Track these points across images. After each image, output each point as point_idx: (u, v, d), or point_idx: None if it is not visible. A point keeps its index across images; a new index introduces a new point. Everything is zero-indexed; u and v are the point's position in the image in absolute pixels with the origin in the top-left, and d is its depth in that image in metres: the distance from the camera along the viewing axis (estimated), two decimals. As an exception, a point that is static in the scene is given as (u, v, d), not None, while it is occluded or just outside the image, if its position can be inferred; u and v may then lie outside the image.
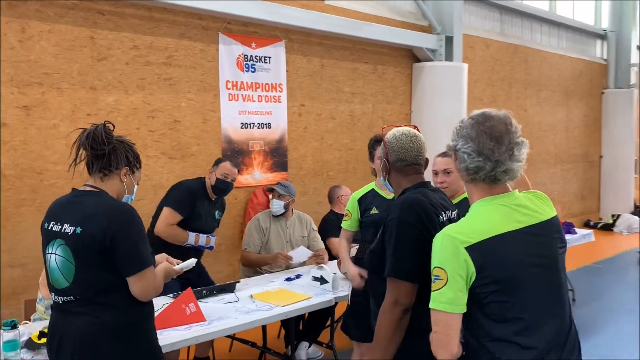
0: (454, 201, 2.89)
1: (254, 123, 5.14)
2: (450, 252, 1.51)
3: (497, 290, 1.51)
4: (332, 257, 4.40)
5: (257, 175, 5.22)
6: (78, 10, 4.05)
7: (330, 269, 3.50)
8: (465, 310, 1.52)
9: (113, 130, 2.05)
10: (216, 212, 4.02)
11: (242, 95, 5.04)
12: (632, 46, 10.35)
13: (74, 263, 1.92)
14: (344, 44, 5.85)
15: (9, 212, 3.83)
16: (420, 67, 6.57)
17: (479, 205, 1.63)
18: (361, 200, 3.09)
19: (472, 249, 1.49)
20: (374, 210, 3.00)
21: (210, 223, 3.94)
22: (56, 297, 1.97)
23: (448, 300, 1.49)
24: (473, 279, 1.50)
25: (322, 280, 3.29)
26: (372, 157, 3.25)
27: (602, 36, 10.42)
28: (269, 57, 5.21)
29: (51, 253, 1.97)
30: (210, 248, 3.86)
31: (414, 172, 2.08)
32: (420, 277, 1.80)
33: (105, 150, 1.99)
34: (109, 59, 4.22)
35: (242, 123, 5.07)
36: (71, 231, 1.92)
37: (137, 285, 1.92)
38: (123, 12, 4.27)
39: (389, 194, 3.02)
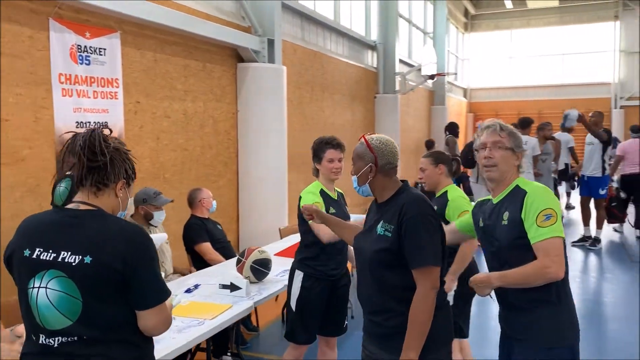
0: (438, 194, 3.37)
1: (90, 122, 4.59)
2: (554, 197, 2.11)
3: None
4: (205, 263, 4.25)
5: (95, 180, 4.68)
6: None
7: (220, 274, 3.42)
8: None
9: (110, 135, 1.75)
10: None
11: (76, 90, 4.46)
12: (396, 57, 12.02)
13: (80, 299, 1.59)
14: (175, 40, 5.60)
15: None
16: (245, 67, 6.66)
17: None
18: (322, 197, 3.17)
19: None
20: (332, 210, 3.09)
21: None
22: (48, 340, 1.60)
23: (561, 230, 2.05)
24: None
25: (232, 287, 3.20)
26: (319, 159, 3.27)
27: (373, 47, 11.87)
28: (104, 49, 4.71)
29: (38, 287, 1.60)
30: None
31: (395, 174, 2.26)
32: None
33: (103, 161, 1.68)
34: None
35: (77, 122, 4.48)
36: (75, 261, 1.59)
37: (153, 319, 1.67)
38: None
39: (333, 194, 3.30)
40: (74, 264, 1.59)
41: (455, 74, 19.31)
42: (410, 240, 2.06)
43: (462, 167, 9.18)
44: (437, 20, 16.68)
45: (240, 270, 3.50)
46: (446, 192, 3.32)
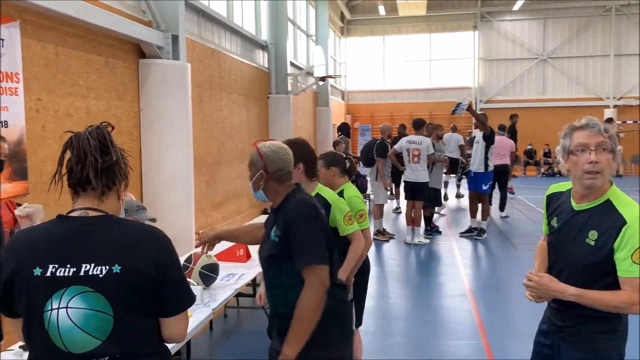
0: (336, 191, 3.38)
1: (-12, 121, 4.08)
2: None
3: None
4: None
5: (-5, 186, 4.16)
6: None
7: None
8: None
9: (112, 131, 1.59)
10: None
11: (-28, 85, 3.94)
12: (287, 58, 12.12)
13: (111, 313, 1.43)
14: (77, 32, 5.14)
15: None
16: (147, 63, 6.30)
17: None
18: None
19: None
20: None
21: None
22: None
23: None
24: None
25: None
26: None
27: (264, 47, 11.85)
28: (2, 40, 4.20)
29: (57, 308, 1.40)
30: None
31: (289, 179, 2.33)
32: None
33: (112, 160, 1.52)
34: None
35: (-26, 121, 3.96)
36: (102, 272, 1.43)
37: (180, 325, 1.57)
38: None
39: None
40: (101, 275, 1.44)
41: (342, 76, 19.98)
42: (295, 242, 2.14)
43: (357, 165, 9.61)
44: (319, 24, 17.09)
45: (188, 277, 3.33)
46: (342, 191, 3.49)
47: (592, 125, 2.00)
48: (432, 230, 8.95)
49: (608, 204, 2.00)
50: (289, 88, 12.16)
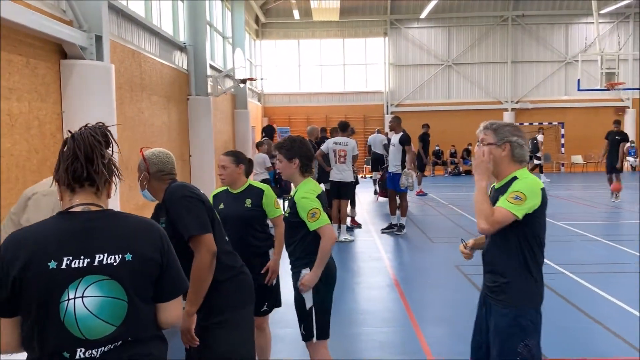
0: (240, 189, 3.66)
1: None
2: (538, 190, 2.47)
3: None
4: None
5: None
6: None
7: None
8: None
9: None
10: None
11: None
12: (207, 60, 12.06)
13: (125, 299, 1.52)
14: (-3, 30, 4.93)
15: None
16: (70, 64, 6.11)
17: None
18: None
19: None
20: (221, 205, 3.25)
21: None
22: (89, 352, 1.49)
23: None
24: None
25: None
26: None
27: (182, 48, 11.72)
28: None
29: (73, 298, 1.47)
30: None
31: (170, 179, 2.67)
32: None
33: (109, 157, 1.62)
34: None
35: None
36: (116, 260, 1.53)
37: (177, 309, 1.71)
38: None
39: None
40: (115, 264, 1.54)
41: (262, 79, 20.03)
42: (175, 220, 2.49)
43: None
44: (236, 25, 17.08)
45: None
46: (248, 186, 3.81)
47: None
48: (354, 227, 9.33)
49: (514, 178, 2.54)
50: (209, 90, 12.10)
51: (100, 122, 1.68)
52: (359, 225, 9.56)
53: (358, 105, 22.84)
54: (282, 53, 23.19)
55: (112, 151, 1.66)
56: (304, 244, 3.10)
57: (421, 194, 14.04)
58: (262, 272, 3.57)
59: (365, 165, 19.41)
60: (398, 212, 9.12)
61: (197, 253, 2.48)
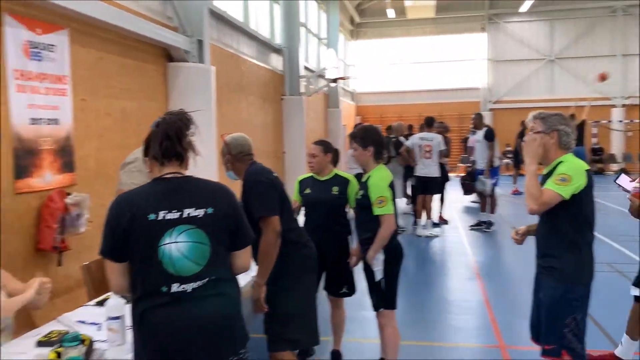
0: (327, 177, 3.88)
1: (42, 118, 4.55)
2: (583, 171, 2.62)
3: None
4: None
5: (48, 177, 4.63)
6: None
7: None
8: None
9: None
10: None
11: (30, 86, 4.41)
12: (300, 61, 12.57)
13: (208, 244, 1.90)
14: (113, 38, 5.62)
15: None
16: (175, 67, 6.77)
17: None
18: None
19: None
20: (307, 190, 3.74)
21: None
22: (182, 287, 1.87)
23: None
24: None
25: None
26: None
27: (278, 50, 12.31)
28: (54, 46, 4.68)
29: (169, 243, 1.85)
30: None
31: (250, 160, 3.02)
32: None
33: (190, 137, 1.99)
34: None
35: (31, 118, 4.43)
36: (200, 214, 1.90)
37: (247, 257, 2.08)
38: None
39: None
40: (199, 216, 1.90)
41: (353, 78, 20.39)
42: (249, 200, 2.80)
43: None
44: (330, 27, 17.53)
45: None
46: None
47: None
48: (441, 223, 9.35)
49: (560, 163, 2.70)
50: (302, 90, 12.60)
51: (181, 109, 2.05)
52: (445, 222, 9.56)
53: (453, 103, 22.45)
54: (376, 52, 23.37)
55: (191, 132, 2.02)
56: (374, 223, 3.32)
57: (516, 193, 13.64)
58: (348, 260, 3.82)
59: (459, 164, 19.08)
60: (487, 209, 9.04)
61: (264, 232, 2.80)
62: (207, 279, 1.93)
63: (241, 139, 3.08)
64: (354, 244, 3.89)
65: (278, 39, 12.42)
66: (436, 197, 9.23)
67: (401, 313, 4.84)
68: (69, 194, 4.71)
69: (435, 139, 8.47)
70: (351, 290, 3.95)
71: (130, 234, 1.89)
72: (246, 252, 2.10)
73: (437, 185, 8.67)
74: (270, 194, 2.85)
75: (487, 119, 21.48)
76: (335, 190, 3.81)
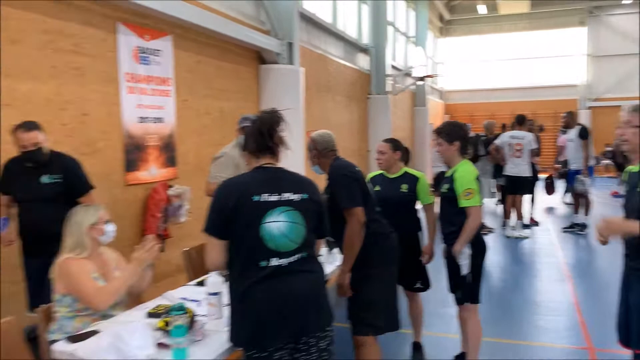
0: (396, 175, 3.96)
1: (149, 117, 5.00)
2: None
3: None
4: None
5: (153, 171, 5.09)
6: (-11, -17, 3.49)
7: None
8: None
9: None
10: (43, 177, 3.49)
11: (139, 88, 4.86)
12: (386, 60, 12.63)
13: (303, 224, 2.12)
14: (211, 42, 6.02)
15: None
16: (267, 68, 7.11)
17: None
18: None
19: None
20: (377, 187, 3.72)
21: (33, 190, 3.49)
22: (280, 261, 2.10)
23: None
24: None
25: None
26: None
27: (365, 50, 12.44)
28: (160, 51, 5.12)
29: (271, 222, 2.09)
30: None
31: (333, 155, 3.17)
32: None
33: (281, 132, 2.19)
34: (22, 42, 3.71)
35: (140, 117, 4.89)
36: (298, 198, 2.14)
37: (318, 247, 2.32)
38: (33, -10, 3.80)
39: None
40: (296, 200, 2.14)
41: (441, 76, 20.12)
42: (334, 192, 2.92)
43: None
44: (419, 25, 17.41)
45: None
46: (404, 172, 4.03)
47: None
48: (531, 225, 9.06)
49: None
50: (388, 89, 12.65)
51: (274, 108, 2.26)
52: (535, 223, 9.24)
53: (548, 101, 21.46)
54: (466, 49, 22.85)
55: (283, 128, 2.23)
56: (460, 217, 3.37)
57: (616, 195, 12.85)
58: (421, 258, 3.90)
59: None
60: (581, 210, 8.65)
61: (349, 222, 2.93)
62: (299, 256, 2.16)
63: (326, 136, 3.23)
64: (424, 241, 3.96)
65: (365, 39, 12.56)
66: (527, 198, 8.96)
67: (487, 311, 4.85)
68: (171, 186, 5.14)
69: (526, 137, 8.23)
70: (425, 285, 4.01)
71: (236, 213, 2.12)
72: (320, 242, 2.35)
73: (527, 185, 8.42)
74: (353, 186, 2.99)
75: (586, 118, 20.35)
76: (404, 187, 3.88)
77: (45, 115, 3.87)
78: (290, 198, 2.15)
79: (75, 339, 2.28)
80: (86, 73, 4.27)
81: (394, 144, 3.99)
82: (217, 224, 2.15)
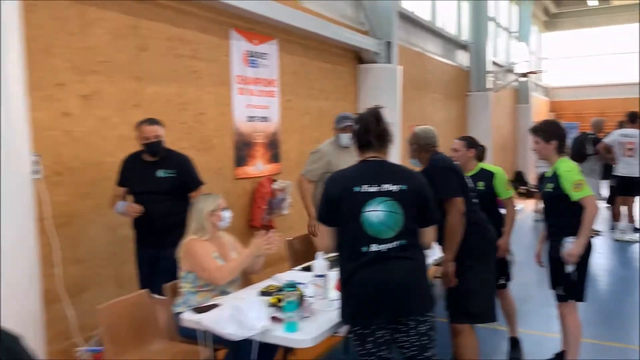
0: (472, 172, 3.92)
1: (256, 116, 5.36)
2: None
3: None
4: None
5: (260, 166, 5.44)
6: (124, -1, 3.96)
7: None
8: None
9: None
10: (159, 171, 3.64)
11: (248, 89, 5.23)
12: (487, 56, 12.35)
13: (401, 214, 2.26)
14: (312, 44, 6.30)
15: (73, 207, 3.63)
16: (365, 68, 7.30)
17: None
18: None
19: None
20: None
21: (149, 182, 3.62)
22: (379, 247, 2.27)
23: None
24: None
25: None
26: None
27: (464, 46, 12.25)
28: (266, 54, 5.47)
29: (370, 211, 2.26)
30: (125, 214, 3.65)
31: (434, 150, 3.23)
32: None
33: (381, 129, 2.36)
34: (150, 49, 4.17)
35: (248, 116, 5.26)
36: (397, 189, 2.28)
37: (431, 235, 2.40)
38: (159, 2, 4.24)
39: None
40: (395, 190, 2.28)
41: (545, 72, 19.26)
42: (434, 184, 2.82)
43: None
44: (522, 20, 16.79)
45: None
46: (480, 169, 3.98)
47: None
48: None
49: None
50: (489, 85, 12.36)
51: (377, 104, 2.42)
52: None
53: (667, 96, 19.79)
54: (573, 43, 21.62)
55: (382, 125, 2.39)
56: (566, 215, 3.34)
57: None
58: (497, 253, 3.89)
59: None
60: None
61: (449, 212, 3.01)
62: (398, 243, 2.29)
63: (429, 132, 3.35)
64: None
65: (465, 35, 12.36)
66: (638, 200, 8.42)
67: (593, 313, 4.71)
68: (275, 180, 5.47)
69: (638, 135, 7.74)
70: (508, 281, 4.02)
71: (340, 203, 2.33)
72: (430, 231, 2.41)
73: (639, 186, 7.91)
74: (453, 178, 3.09)
75: None
76: (480, 185, 3.86)
77: (167, 115, 4.30)
78: (389, 189, 2.29)
79: (199, 310, 2.59)
80: (202, 76, 4.68)
81: (468, 141, 4.02)
82: (325, 213, 2.38)
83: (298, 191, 4.51)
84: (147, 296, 2.91)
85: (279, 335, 2.34)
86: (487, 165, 4.07)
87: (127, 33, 3.96)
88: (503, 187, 3.94)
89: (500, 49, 15.41)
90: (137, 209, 3.51)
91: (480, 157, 4.18)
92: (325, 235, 2.40)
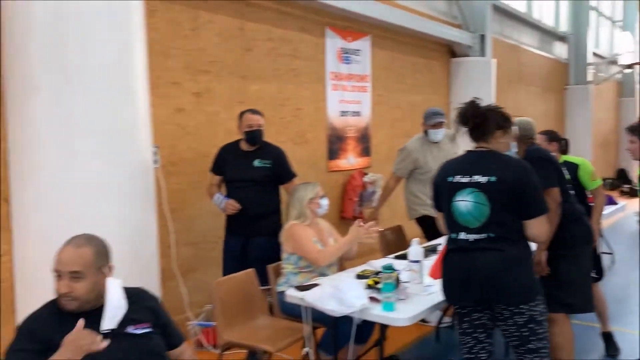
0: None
1: (348, 111, 5.55)
2: None
3: None
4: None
5: (351, 159, 5.63)
6: (231, 1, 4.27)
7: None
8: None
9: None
10: (256, 161, 3.70)
11: (341, 85, 5.43)
12: (588, 48, 11.75)
13: (488, 205, 2.34)
14: (405, 39, 6.39)
15: (186, 194, 3.99)
16: (458, 61, 7.26)
17: None
18: None
19: None
20: None
21: (245, 171, 3.69)
22: (466, 236, 2.37)
23: None
24: None
25: None
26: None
27: (562, 38, 11.73)
28: (359, 51, 5.64)
29: (460, 200, 2.37)
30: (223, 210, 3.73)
31: (531, 142, 3.19)
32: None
33: (478, 121, 2.43)
34: (254, 50, 4.47)
35: (341, 111, 5.46)
36: (485, 180, 2.34)
37: (539, 227, 2.38)
38: (262, 4, 4.53)
39: None
40: (483, 182, 2.35)
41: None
42: (540, 171, 2.72)
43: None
44: (628, 8, 15.74)
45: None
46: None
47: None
48: None
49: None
50: (590, 78, 11.76)
51: (475, 97, 2.49)
52: None
53: None
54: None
55: (479, 115, 2.44)
56: None
57: None
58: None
59: None
60: None
61: (550, 202, 2.97)
62: (486, 235, 2.34)
63: (527, 123, 3.32)
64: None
65: (563, 26, 11.84)
66: None
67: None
68: (366, 173, 5.63)
69: None
70: (599, 275, 3.92)
71: (440, 191, 2.50)
72: (538, 222, 2.36)
73: None
74: (549, 168, 3.06)
75: None
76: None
77: (268, 111, 4.56)
78: (478, 180, 2.35)
79: (302, 288, 2.81)
80: (301, 74, 4.93)
81: (550, 135, 4.01)
82: (433, 199, 2.58)
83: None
84: (253, 275, 3.17)
85: (377, 314, 2.50)
86: (571, 157, 4.03)
87: (234, 35, 4.27)
88: (588, 177, 3.88)
89: (602, 39, 14.57)
90: (236, 206, 3.59)
91: (564, 150, 4.12)
92: (440, 218, 2.58)
